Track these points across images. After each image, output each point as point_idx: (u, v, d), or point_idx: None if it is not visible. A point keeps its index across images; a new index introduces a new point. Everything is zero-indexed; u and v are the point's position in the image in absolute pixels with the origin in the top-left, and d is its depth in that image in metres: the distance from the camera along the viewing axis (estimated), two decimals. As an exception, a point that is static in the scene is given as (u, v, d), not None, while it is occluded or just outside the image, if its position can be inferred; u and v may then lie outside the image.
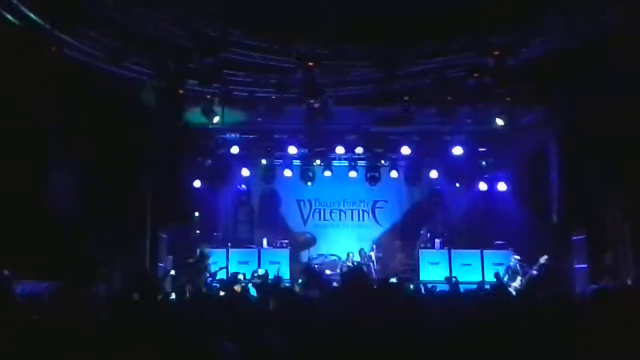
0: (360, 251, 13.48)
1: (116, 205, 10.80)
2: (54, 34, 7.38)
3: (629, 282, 9.58)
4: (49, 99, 8.63)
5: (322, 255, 14.01)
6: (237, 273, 10.14)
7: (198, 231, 13.53)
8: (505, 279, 11.75)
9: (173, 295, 9.35)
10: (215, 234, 13.91)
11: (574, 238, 11.63)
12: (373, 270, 12.74)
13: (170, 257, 12.70)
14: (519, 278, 11.57)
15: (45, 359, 3.24)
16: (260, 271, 11.08)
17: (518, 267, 11.86)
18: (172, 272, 11.23)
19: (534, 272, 11.26)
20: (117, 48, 8.44)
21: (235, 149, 13.18)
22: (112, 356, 3.18)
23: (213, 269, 11.58)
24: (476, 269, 12.96)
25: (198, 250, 11.69)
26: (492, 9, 8.19)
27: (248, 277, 10.99)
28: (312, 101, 10.74)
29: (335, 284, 11.63)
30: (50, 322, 4.07)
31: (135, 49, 8.62)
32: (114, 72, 8.81)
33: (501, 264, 12.55)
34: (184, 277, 10.60)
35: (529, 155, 12.98)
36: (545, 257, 11.27)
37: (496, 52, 9.48)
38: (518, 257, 12.06)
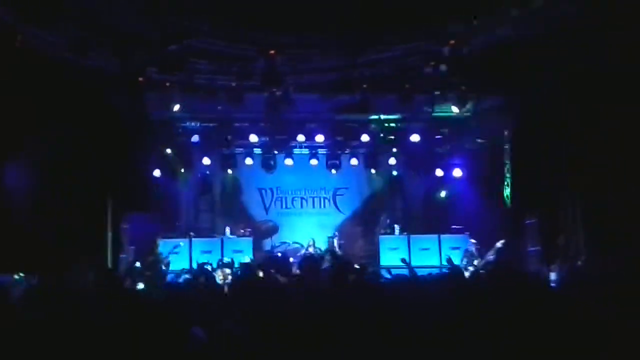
0: (329, 239, 13.58)
1: (76, 196, 10.67)
2: (17, 26, 7.24)
3: (579, 263, 10.10)
4: (9, 89, 8.48)
5: (285, 242, 14.13)
6: (205, 263, 10.16)
7: (160, 222, 13.43)
8: (464, 262, 12.12)
9: (141, 286, 9.37)
10: (177, 223, 13.86)
11: (527, 222, 12.07)
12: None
13: (132, 247, 12.60)
14: (475, 261, 11.96)
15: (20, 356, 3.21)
16: (226, 259, 11.14)
17: (474, 251, 12.27)
18: (137, 264, 11.12)
19: (490, 256, 11.64)
20: (80, 38, 8.32)
21: (195, 138, 13.15)
22: (86, 349, 3.19)
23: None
24: (434, 253, 13.31)
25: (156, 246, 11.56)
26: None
27: (214, 266, 11.06)
28: (273, 89, 10.84)
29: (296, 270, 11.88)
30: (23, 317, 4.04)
31: (98, 38, 8.52)
32: (73, 60, 8.67)
33: (457, 248, 12.93)
34: (147, 271, 10.52)
35: (484, 141, 13.36)
36: (501, 241, 11.66)
37: (452, 42, 9.81)
38: (474, 241, 12.47)
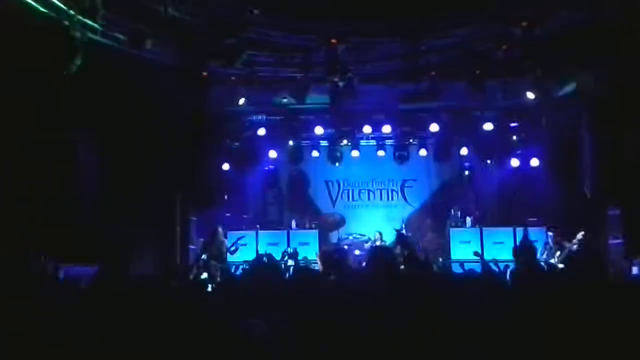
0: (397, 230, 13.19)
1: (146, 190, 10.96)
2: (77, 19, 7.41)
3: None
4: (78, 88, 8.74)
5: (352, 235, 13.95)
6: (263, 255, 10.10)
7: (228, 214, 13.62)
8: (544, 256, 11.51)
9: (205, 276, 9.49)
10: (244, 216, 13.99)
11: (609, 212, 11.34)
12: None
13: (201, 239, 12.83)
14: (557, 253, 11.33)
15: (87, 343, 3.26)
16: (289, 250, 11.09)
17: (553, 243, 11.62)
18: (204, 256, 11.28)
19: (574, 246, 11.00)
20: (138, 31, 8.45)
21: (262, 131, 13.19)
22: (149, 340, 3.21)
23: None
24: (509, 247, 12.70)
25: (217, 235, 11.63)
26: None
27: (278, 257, 11.00)
28: (336, 80, 10.64)
29: (364, 263, 11.66)
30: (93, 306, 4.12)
31: (156, 32, 8.62)
32: (136, 56, 8.83)
33: (535, 241, 12.28)
34: (210, 258, 10.64)
35: (561, 129, 12.63)
36: (582, 232, 11.00)
37: (524, 23, 9.24)
38: (552, 233, 11.81)
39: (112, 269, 5.45)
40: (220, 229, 11.54)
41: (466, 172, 14.34)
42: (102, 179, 10.64)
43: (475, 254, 9.79)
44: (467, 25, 9.35)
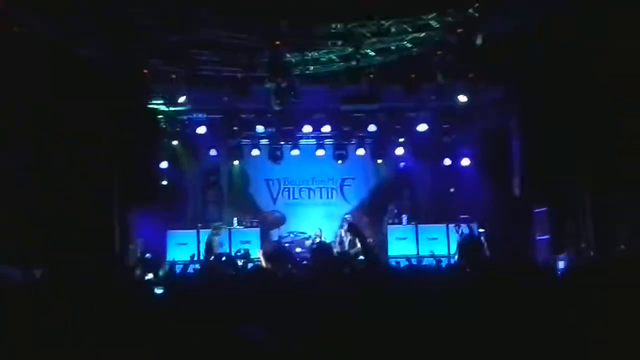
0: (342, 224, 13.45)
1: (83, 189, 10.69)
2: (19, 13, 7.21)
3: (592, 253, 10.04)
4: (12, 84, 8.47)
5: (292, 233, 14.12)
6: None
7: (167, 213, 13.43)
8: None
9: (150, 276, 9.37)
10: (184, 215, 13.88)
11: (536, 210, 12.01)
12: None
13: (140, 239, 12.65)
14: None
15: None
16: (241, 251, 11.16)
17: (483, 241, 12.20)
18: (148, 255, 11.09)
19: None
20: (80, 27, 8.29)
21: (202, 129, 13.14)
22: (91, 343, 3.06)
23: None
24: (442, 242, 13.27)
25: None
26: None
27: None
28: (279, 80, 10.78)
29: (304, 262, 11.83)
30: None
31: (99, 28, 8.49)
32: (77, 52, 8.65)
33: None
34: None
35: (491, 130, 13.28)
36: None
37: (459, 30, 9.72)
38: (482, 230, 12.40)
39: (50, 271, 5.31)
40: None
41: (402, 172, 14.77)
42: (35, 177, 10.31)
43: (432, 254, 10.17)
44: (407, 32, 9.70)
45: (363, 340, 3.04)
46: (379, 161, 14.65)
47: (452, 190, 14.31)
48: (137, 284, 7.38)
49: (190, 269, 8.98)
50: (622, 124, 9.08)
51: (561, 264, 9.92)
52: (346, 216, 13.80)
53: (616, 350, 2.86)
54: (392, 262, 11.72)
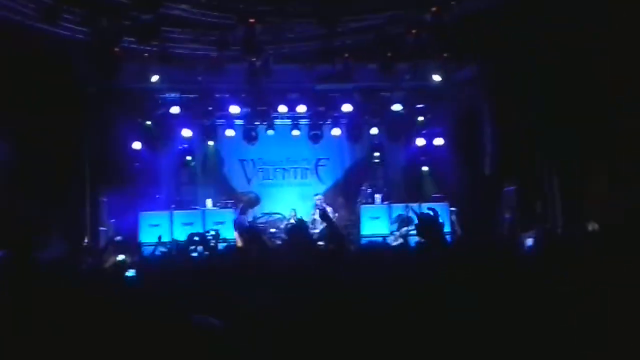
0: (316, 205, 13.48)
1: (52, 169, 10.51)
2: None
3: (559, 230, 10.26)
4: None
5: (267, 214, 14.12)
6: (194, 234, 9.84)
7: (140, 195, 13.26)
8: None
9: (121, 257, 9.27)
10: (157, 196, 13.73)
11: (505, 189, 12.23)
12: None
13: (112, 220, 12.52)
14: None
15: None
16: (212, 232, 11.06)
17: (455, 219, 12.41)
18: (119, 237, 11.00)
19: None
20: (49, 5, 8.09)
21: (175, 109, 12.98)
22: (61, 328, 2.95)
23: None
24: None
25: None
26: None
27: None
28: (253, 59, 10.70)
29: (279, 241, 11.84)
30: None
31: (68, 6, 8.29)
32: (46, 30, 8.45)
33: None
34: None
35: (465, 110, 13.41)
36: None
37: (433, 8, 9.75)
38: (454, 209, 12.60)
39: (16, 253, 5.17)
40: None
41: (376, 151, 14.84)
42: (4, 157, 10.09)
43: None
44: (381, 10, 9.69)
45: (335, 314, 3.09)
46: (354, 141, 14.63)
47: (425, 169, 14.43)
48: (104, 267, 7.25)
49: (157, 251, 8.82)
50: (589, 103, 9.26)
51: (529, 242, 10.12)
52: (315, 197, 13.75)
53: (579, 321, 2.96)
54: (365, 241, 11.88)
